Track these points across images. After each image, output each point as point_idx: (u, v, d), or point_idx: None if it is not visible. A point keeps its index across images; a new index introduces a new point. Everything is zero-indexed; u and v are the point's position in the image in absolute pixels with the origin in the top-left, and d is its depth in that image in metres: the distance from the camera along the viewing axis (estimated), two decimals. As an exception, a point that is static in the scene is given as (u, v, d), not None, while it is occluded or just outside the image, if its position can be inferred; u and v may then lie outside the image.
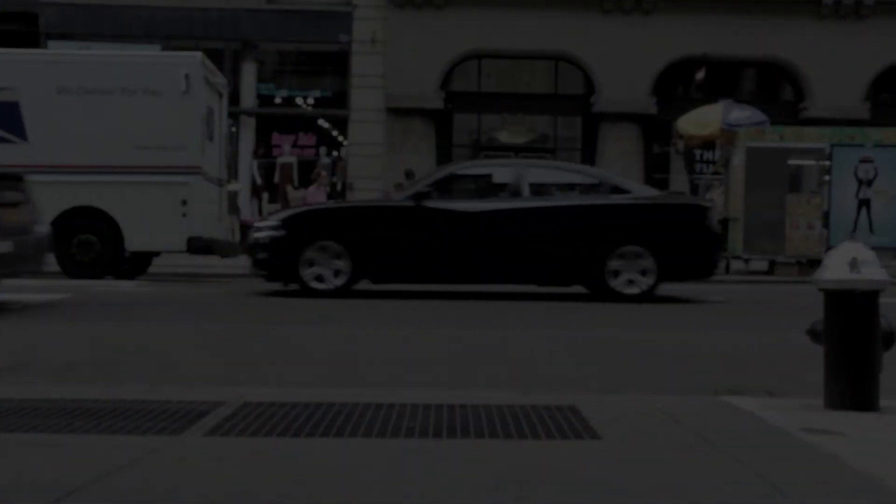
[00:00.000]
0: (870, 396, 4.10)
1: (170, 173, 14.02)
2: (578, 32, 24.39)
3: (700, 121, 19.79)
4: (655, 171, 25.73)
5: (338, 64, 25.75)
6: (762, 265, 18.71)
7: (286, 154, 25.31)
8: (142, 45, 18.07)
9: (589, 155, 25.34)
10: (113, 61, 14.77)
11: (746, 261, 18.42)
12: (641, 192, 11.99)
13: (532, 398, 4.44)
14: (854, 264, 4.05)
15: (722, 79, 25.05)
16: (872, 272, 4.07)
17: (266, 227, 11.50)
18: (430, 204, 11.22)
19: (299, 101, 26.09)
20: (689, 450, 3.43)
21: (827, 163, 17.95)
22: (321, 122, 26.59)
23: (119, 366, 5.86)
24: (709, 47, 24.40)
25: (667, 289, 11.57)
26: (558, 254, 11.22)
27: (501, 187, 11.70)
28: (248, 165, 25.02)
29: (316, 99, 26.14)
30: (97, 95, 14.21)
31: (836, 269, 4.09)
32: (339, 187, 24.76)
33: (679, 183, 25.94)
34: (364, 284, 12.06)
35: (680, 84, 25.66)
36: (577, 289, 11.70)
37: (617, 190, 11.59)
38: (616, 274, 11.06)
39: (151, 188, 13.99)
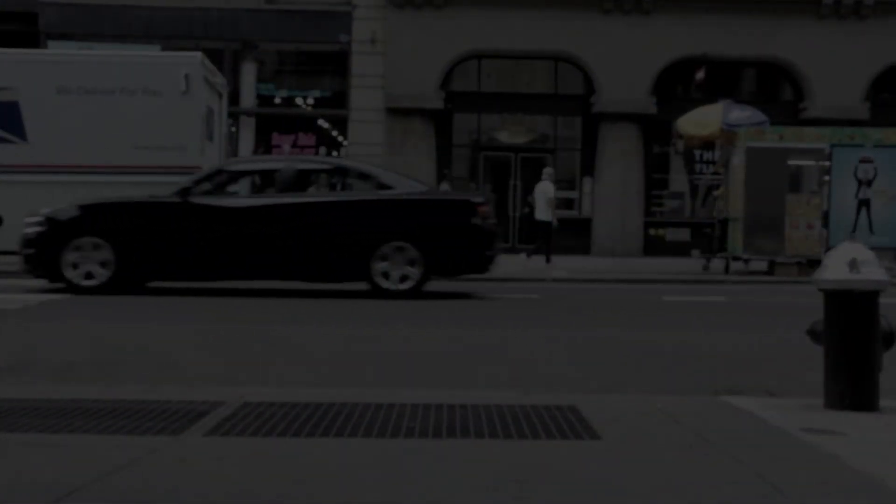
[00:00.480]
0: (870, 396, 4.10)
1: (170, 173, 14.02)
2: (578, 32, 24.37)
3: (700, 121, 19.74)
4: (655, 171, 25.74)
5: (338, 64, 25.73)
6: (762, 265, 18.68)
7: (286, 154, 25.31)
8: (142, 45, 18.12)
9: (589, 155, 25.34)
10: (113, 61, 14.80)
11: (746, 261, 18.39)
12: (408, 188, 11.70)
13: (532, 398, 4.43)
14: (854, 264, 4.05)
15: (722, 79, 25.04)
16: (872, 272, 4.07)
17: (33, 223, 11.26)
18: (196, 200, 11.11)
19: (299, 101, 26.07)
20: (689, 450, 3.43)
21: (827, 163, 17.93)
22: (321, 122, 26.58)
23: (119, 366, 5.86)
24: (709, 47, 24.39)
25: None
26: (324, 250, 11.06)
27: (270, 183, 11.62)
28: (248, 165, 25.03)
29: (316, 99, 26.12)
30: (97, 95, 14.24)
31: (836, 269, 4.09)
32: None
33: (679, 183, 25.98)
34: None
35: (680, 84, 25.64)
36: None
37: (384, 186, 11.42)
38: (383, 270, 10.97)
39: (151, 188, 13.98)
